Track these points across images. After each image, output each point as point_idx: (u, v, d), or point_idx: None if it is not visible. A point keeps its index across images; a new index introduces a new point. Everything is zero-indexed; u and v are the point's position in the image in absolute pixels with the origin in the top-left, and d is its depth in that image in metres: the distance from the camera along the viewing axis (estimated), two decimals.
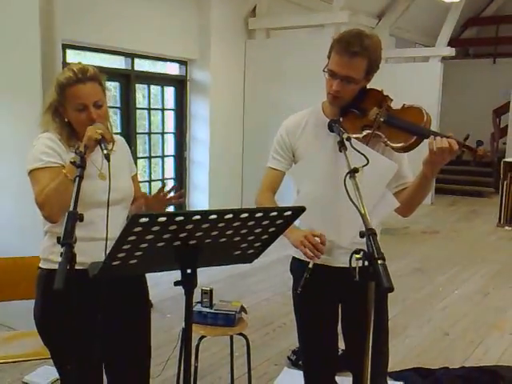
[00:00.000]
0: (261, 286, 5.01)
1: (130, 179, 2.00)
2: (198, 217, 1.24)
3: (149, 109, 6.32)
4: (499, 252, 6.49)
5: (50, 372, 3.10)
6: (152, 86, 6.31)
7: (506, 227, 7.65)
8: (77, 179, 1.51)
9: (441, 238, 7.19)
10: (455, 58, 9.71)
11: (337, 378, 2.21)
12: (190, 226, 1.26)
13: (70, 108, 1.82)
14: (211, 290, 2.72)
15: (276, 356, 3.55)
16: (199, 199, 6.68)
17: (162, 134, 6.57)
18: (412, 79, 8.53)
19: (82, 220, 1.36)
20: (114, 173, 1.75)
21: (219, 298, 2.84)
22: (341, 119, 1.87)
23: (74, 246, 1.28)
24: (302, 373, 2.90)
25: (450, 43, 9.21)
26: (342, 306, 2.10)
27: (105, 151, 1.67)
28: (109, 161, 1.66)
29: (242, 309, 2.79)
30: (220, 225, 1.31)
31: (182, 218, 1.23)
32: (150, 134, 6.38)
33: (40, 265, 1.89)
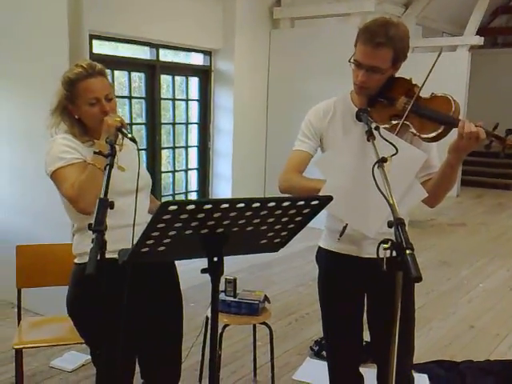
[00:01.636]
0: (283, 276, 5.02)
1: (144, 170, 2.00)
2: (225, 205, 1.25)
3: (173, 99, 6.34)
4: None
5: (76, 357, 3.17)
6: (176, 77, 6.33)
7: None
8: (107, 168, 1.52)
9: (467, 230, 7.10)
10: (483, 48, 9.51)
11: (361, 369, 2.21)
12: (217, 215, 1.27)
13: (83, 103, 1.82)
14: (235, 280, 2.74)
15: (298, 346, 3.57)
16: (222, 189, 6.71)
17: (187, 124, 6.60)
18: (439, 69, 8.35)
19: (112, 207, 1.38)
20: (131, 162, 1.78)
21: (242, 288, 2.86)
22: (368, 109, 1.85)
23: (104, 233, 1.30)
24: (324, 363, 2.91)
25: (479, 32, 9.02)
26: (367, 296, 2.09)
27: (129, 135, 1.69)
28: (136, 143, 1.69)
29: (266, 298, 2.81)
30: (247, 213, 1.31)
31: (210, 206, 1.24)
32: (174, 124, 6.41)
33: (75, 261, 1.91)
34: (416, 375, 3.17)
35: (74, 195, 1.72)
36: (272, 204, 1.32)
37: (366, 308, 2.12)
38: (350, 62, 1.87)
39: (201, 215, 1.25)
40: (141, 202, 1.84)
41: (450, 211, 8.04)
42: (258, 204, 1.29)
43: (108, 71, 1.94)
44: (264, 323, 2.75)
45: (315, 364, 3.30)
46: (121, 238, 1.71)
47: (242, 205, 1.27)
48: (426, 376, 3.16)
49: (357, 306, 2.11)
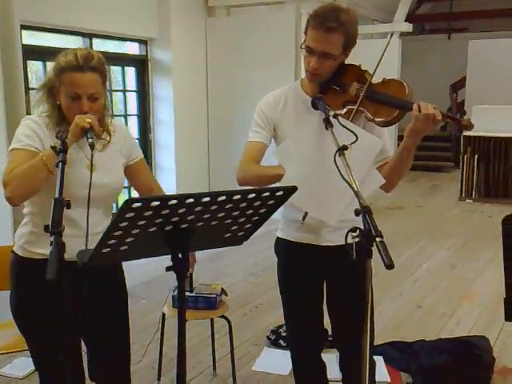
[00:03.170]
0: (234, 267, 5.00)
1: (120, 172, 1.90)
2: (191, 200, 1.20)
3: (110, 90, 6.12)
4: (463, 225, 6.67)
5: (27, 363, 3.02)
6: (112, 67, 6.12)
7: (468, 200, 7.85)
8: (60, 164, 1.43)
9: (405, 213, 7.33)
10: (412, 34, 9.81)
11: (323, 356, 2.23)
12: (182, 210, 1.22)
13: (64, 93, 1.73)
14: (191, 274, 2.68)
15: (255, 336, 3.56)
16: (166, 182, 6.58)
17: (125, 116, 6.41)
18: (372, 56, 8.57)
19: (69, 207, 1.29)
20: (104, 167, 1.71)
21: (195, 281, 2.81)
22: (323, 96, 1.84)
23: (62, 235, 1.22)
24: (282, 351, 2.92)
25: (407, 19, 9.27)
26: (327, 284, 2.10)
27: (90, 140, 1.59)
28: (92, 149, 1.59)
29: (223, 291, 2.77)
30: (212, 207, 1.27)
31: (175, 201, 1.18)
32: (112, 116, 6.19)
33: (14, 249, 1.82)
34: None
35: (6, 180, 1.63)
36: (237, 197, 1.28)
37: (326, 296, 2.13)
38: (301, 48, 1.85)
39: (165, 211, 1.20)
40: (98, 212, 1.78)
41: (388, 195, 8.23)
42: (223, 197, 1.26)
43: (108, 67, 1.83)
44: (222, 316, 2.72)
45: (273, 353, 3.30)
46: (74, 245, 1.62)
47: (207, 199, 1.23)
48: (381, 358, 3.22)
49: (317, 293, 2.11)
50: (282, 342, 3.34)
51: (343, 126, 1.57)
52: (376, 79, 1.88)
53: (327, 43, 1.79)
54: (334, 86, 1.88)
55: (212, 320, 2.90)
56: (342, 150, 1.47)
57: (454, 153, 9.95)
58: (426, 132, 1.73)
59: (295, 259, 2.07)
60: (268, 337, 3.48)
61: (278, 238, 2.12)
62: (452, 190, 8.24)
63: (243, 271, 4.85)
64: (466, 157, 7.84)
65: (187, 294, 2.67)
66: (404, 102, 1.79)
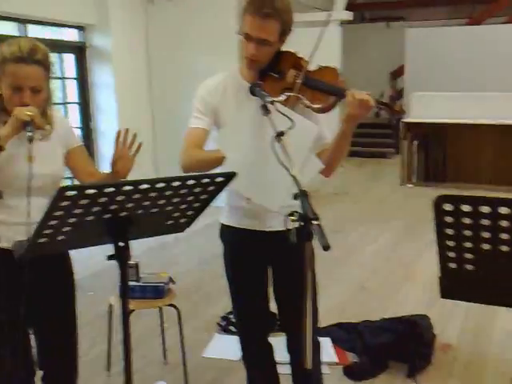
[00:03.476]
0: (184, 255, 4.99)
1: (61, 161, 1.89)
2: (129, 187, 1.19)
3: (49, 78, 5.92)
4: (404, 208, 6.88)
5: None
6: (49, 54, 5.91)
7: (408, 185, 8.09)
8: None
9: (351, 198, 7.49)
10: (352, 23, 9.97)
11: (271, 339, 2.26)
12: (120, 198, 1.21)
13: (6, 84, 1.69)
14: (137, 264, 2.67)
15: (205, 324, 3.58)
16: None
17: (65, 104, 6.21)
18: (313, 44, 8.69)
19: (1, 197, 1.26)
20: (44, 158, 1.69)
21: (142, 271, 2.80)
22: (261, 83, 1.85)
23: None
24: (232, 337, 2.94)
25: (347, 7, 9.41)
26: (273, 269, 2.13)
27: (29, 133, 1.57)
28: (31, 143, 1.57)
29: (170, 280, 2.77)
30: (151, 194, 1.26)
31: (112, 189, 1.17)
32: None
33: None
34: (319, 339, 3.33)
35: None
36: (177, 183, 1.28)
37: (272, 280, 2.17)
38: (238, 34, 1.86)
39: (102, 199, 1.19)
40: (40, 201, 1.73)
41: (335, 181, 8.40)
42: (162, 184, 1.25)
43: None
44: (171, 305, 2.72)
45: (224, 339, 3.33)
46: (15, 234, 1.59)
47: (145, 186, 1.22)
48: (328, 339, 3.31)
49: (262, 278, 2.14)
50: (232, 328, 3.37)
51: (280, 112, 1.59)
52: (312, 66, 1.91)
53: (264, 30, 1.81)
54: (272, 73, 1.90)
55: (161, 309, 2.89)
56: (279, 135, 1.49)
57: (395, 139, 10.21)
58: (361, 118, 1.78)
59: (240, 245, 2.09)
60: (218, 323, 3.50)
61: (222, 224, 2.13)
62: (394, 176, 8.47)
63: (194, 259, 4.85)
64: (405, 143, 8.08)
65: (134, 283, 2.65)
66: (338, 89, 1.83)
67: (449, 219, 1.50)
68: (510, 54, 9.15)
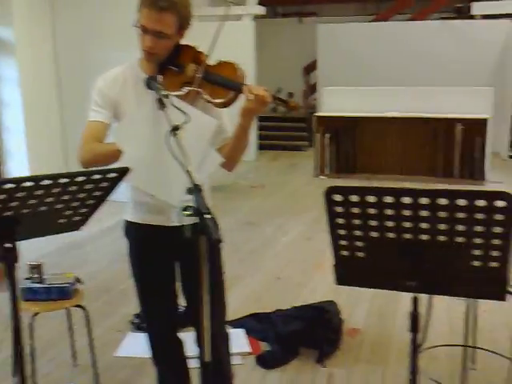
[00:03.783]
0: (94, 255, 4.86)
1: None
2: (11, 185, 1.15)
3: None
4: (317, 200, 6.98)
5: None
6: None
7: (321, 177, 8.33)
8: None
9: (266, 191, 7.60)
10: (265, 17, 10.09)
11: (181, 335, 2.26)
12: (2, 197, 1.16)
13: None
14: (39, 265, 2.57)
15: (118, 322, 3.51)
16: (17, 168, 6.14)
17: None
18: (227, 38, 8.71)
19: None
20: None
21: (52, 272, 2.71)
22: (160, 76, 1.85)
23: None
24: (145, 335, 2.89)
25: (260, 2, 9.51)
26: (179, 264, 2.13)
27: None
28: None
29: (77, 280, 2.69)
30: (37, 192, 1.22)
31: None
32: None
33: None
34: (233, 331, 3.38)
35: None
36: (65, 180, 1.25)
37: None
38: (135, 26, 1.84)
39: None
40: None
41: (250, 174, 8.51)
42: (48, 182, 1.21)
43: None
44: (78, 306, 2.65)
45: (137, 337, 3.28)
46: None
47: (29, 183, 1.18)
48: (242, 330, 3.35)
49: (168, 274, 2.13)
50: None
51: (174, 106, 1.59)
52: (212, 61, 1.92)
53: (160, 22, 1.80)
54: (172, 67, 1.89)
55: (68, 310, 2.81)
56: (174, 130, 1.49)
57: (309, 132, 10.46)
58: (258, 113, 1.82)
59: (145, 242, 2.08)
60: (132, 321, 3.45)
61: (126, 221, 2.10)
62: (308, 168, 8.67)
63: (105, 258, 4.73)
64: (318, 136, 8.30)
65: (38, 285, 2.56)
66: (236, 84, 1.85)
67: (339, 209, 1.57)
68: (414, 49, 9.64)
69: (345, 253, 1.66)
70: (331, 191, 1.53)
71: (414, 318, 1.64)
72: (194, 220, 1.37)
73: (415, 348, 1.66)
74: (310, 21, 11.37)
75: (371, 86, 8.56)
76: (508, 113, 9.24)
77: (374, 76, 9.56)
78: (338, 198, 1.54)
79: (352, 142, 8.23)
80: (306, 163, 9.06)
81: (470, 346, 2.72)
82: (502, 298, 1.59)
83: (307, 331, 3.18)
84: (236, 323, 3.46)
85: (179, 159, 1.44)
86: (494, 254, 1.49)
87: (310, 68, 11.05)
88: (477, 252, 1.50)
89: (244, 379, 2.91)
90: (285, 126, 11.12)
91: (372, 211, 1.53)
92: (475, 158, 7.52)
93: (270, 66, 11.30)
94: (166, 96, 1.63)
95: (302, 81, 11.39)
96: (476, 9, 9.42)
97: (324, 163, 8.34)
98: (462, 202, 1.42)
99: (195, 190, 1.36)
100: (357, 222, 1.57)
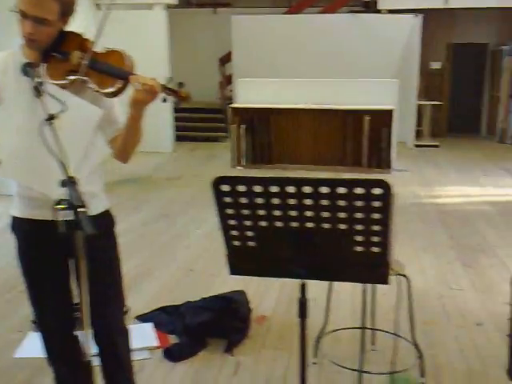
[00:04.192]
0: None
1: None
2: None
3: None
4: None
5: None
6: None
7: (238, 167, 8.37)
8: None
9: (183, 182, 7.53)
10: (178, 7, 9.95)
11: (78, 332, 2.19)
12: None
13: None
14: None
15: (19, 323, 3.36)
16: None
17: None
18: (138, 27, 8.55)
19: None
20: None
21: None
22: (44, 64, 1.76)
23: None
24: None
25: None
26: (74, 261, 2.05)
27: None
28: None
29: None
30: None
31: None
32: None
33: None
34: (141, 325, 3.33)
35: None
36: None
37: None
38: (14, 11, 1.74)
39: None
40: None
41: (167, 166, 8.41)
42: None
43: None
44: None
45: (38, 337, 3.14)
46: None
47: None
48: (150, 324, 3.31)
49: (61, 271, 2.05)
50: None
51: (50, 94, 1.52)
52: (99, 49, 1.86)
53: (40, 7, 1.71)
54: (56, 54, 1.81)
55: None
56: (49, 119, 1.43)
57: (226, 124, 10.47)
58: (147, 103, 1.78)
59: (34, 237, 1.98)
60: (33, 321, 3.30)
61: (13, 217, 2.00)
62: (226, 159, 8.69)
63: (5, 257, 4.49)
64: (234, 127, 8.33)
65: None
66: (123, 73, 1.80)
67: (228, 199, 1.57)
68: (325, 42, 9.87)
69: (236, 243, 1.67)
70: (219, 181, 1.54)
71: (302, 304, 1.68)
72: (70, 214, 1.33)
73: (303, 334, 1.70)
74: (224, 12, 11.31)
75: (285, 77, 8.68)
76: (413, 104, 9.72)
77: (288, 68, 9.72)
78: (225, 188, 1.54)
79: (267, 133, 8.32)
80: (224, 154, 9.07)
81: (367, 328, 2.84)
82: (385, 282, 1.67)
83: (215, 322, 3.19)
84: (145, 317, 3.42)
85: (52, 150, 1.38)
86: (375, 239, 1.55)
87: (226, 59, 11.03)
88: (359, 238, 1.56)
89: (151, 373, 2.88)
90: (202, 117, 11.06)
91: (259, 201, 1.55)
92: (382, 148, 7.85)
93: (184, 56, 11.17)
94: (41, 83, 1.56)
95: (217, 72, 11.35)
96: (382, 3, 9.80)
97: (240, 154, 8.39)
98: (342, 190, 1.47)
99: (68, 182, 1.30)
100: (246, 211, 1.59)
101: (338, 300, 3.53)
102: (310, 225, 1.56)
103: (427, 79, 11.08)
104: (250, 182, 1.52)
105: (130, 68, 1.83)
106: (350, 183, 1.46)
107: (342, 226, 1.54)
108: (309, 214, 1.53)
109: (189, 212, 5.97)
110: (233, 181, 1.53)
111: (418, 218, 5.70)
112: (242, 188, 1.53)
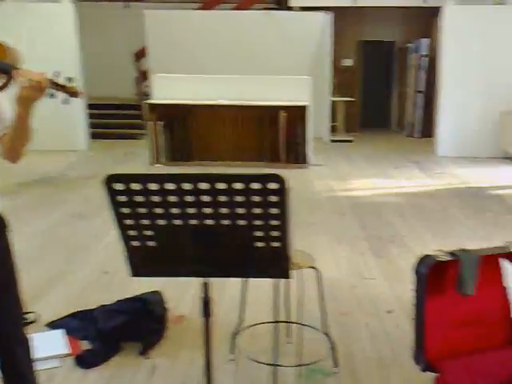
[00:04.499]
0: None
1: None
2: None
3: None
4: None
5: None
6: None
7: (157, 165, 8.23)
8: None
9: (99, 182, 7.26)
10: (88, 0, 9.62)
11: None
12: None
13: None
14: None
15: None
16: None
17: None
18: (45, 21, 8.18)
19: None
20: None
21: None
22: None
23: None
24: None
25: None
26: None
27: None
28: None
29: None
30: None
31: None
32: None
33: None
34: (50, 332, 3.19)
35: None
36: None
37: None
38: None
39: None
40: None
41: (82, 165, 8.11)
42: None
43: None
44: None
45: None
46: None
47: None
48: (61, 331, 3.18)
49: None
50: None
51: None
52: None
53: None
54: None
55: None
56: None
57: (143, 120, 10.25)
58: (35, 100, 1.69)
59: None
60: None
61: None
62: (144, 157, 8.51)
63: None
64: (151, 124, 8.17)
65: None
66: (6, 66, 1.70)
67: (122, 198, 1.52)
68: (239, 39, 9.89)
69: (135, 243, 1.63)
70: (110, 180, 1.48)
71: (206, 303, 1.66)
72: None
73: (208, 333, 1.68)
74: (136, 6, 11.06)
75: (203, 73, 8.63)
76: (328, 100, 9.97)
77: (205, 64, 9.66)
78: (119, 186, 1.49)
79: (186, 130, 8.24)
80: (142, 152, 8.89)
81: (280, 322, 2.87)
82: (286, 276, 1.68)
83: (130, 324, 3.10)
84: (55, 324, 3.28)
85: None
86: (274, 234, 1.56)
87: (141, 54, 10.81)
88: (258, 233, 1.56)
89: (61, 382, 2.76)
90: (118, 113, 10.77)
91: (156, 199, 1.51)
92: (298, 144, 8.00)
93: (97, 52, 10.84)
94: None
95: (132, 67, 11.11)
96: (294, 0, 9.96)
97: (159, 152, 8.25)
98: (239, 186, 1.46)
99: None
100: (142, 210, 1.54)
101: (257, 295, 3.55)
102: (209, 222, 1.54)
103: (340, 76, 11.40)
104: (144, 179, 1.47)
105: (14, 61, 1.73)
106: (246, 178, 1.45)
107: (241, 222, 1.53)
108: (207, 210, 1.51)
109: (104, 212, 5.75)
110: (126, 179, 1.48)
111: (333, 211, 5.86)
112: (136, 186, 1.48)
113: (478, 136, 8.83)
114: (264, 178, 1.43)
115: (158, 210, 1.52)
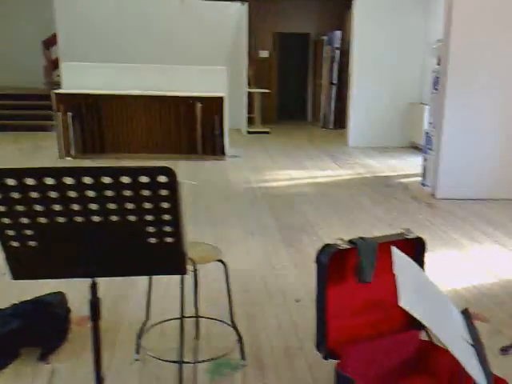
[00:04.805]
0: None
1: None
2: None
3: None
4: None
5: None
6: None
7: (67, 158, 7.88)
8: None
9: None
10: None
11: None
12: None
13: None
14: None
15: None
16: None
17: None
18: None
19: None
20: None
21: None
22: None
23: None
24: None
25: None
26: None
27: None
28: None
29: None
30: None
31: None
32: None
33: None
34: None
35: None
36: None
37: None
38: None
39: None
40: None
41: None
42: None
43: None
44: None
45: None
46: None
47: None
48: None
49: None
50: None
51: None
52: None
53: None
54: None
55: None
56: None
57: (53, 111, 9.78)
58: None
59: None
60: None
61: None
62: (54, 150, 8.12)
63: None
64: (59, 115, 7.79)
65: None
66: None
67: None
68: (156, 27, 9.65)
69: (15, 244, 1.49)
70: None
71: (93, 305, 1.56)
72: None
73: (97, 336, 1.58)
74: None
75: (118, 62, 8.34)
76: (244, 91, 9.96)
77: (120, 53, 9.35)
78: None
79: (98, 121, 7.93)
80: (52, 144, 8.47)
81: (187, 317, 2.81)
82: (183, 272, 1.61)
83: (27, 329, 2.91)
84: None
85: None
86: (167, 229, 1.49)
87: (51, 42, 10.28)
88: (151, 229, 1.48)
89: None
90: (26, 104, 10.22)
91: (35, 195, 1.39)
92: (215, 135, 7.93)
93: (7, 38, 10.22)
94: None
95: (42, 55, 10.55)
96: None
97: (69, 144, 7.89)
98: (126, 180, 1.37)
99: None
100: (20, 208, 1.41)
101: (167, 292, 3.46)
102: (96, 218, 1.44)
103: (256, 67, 11.44)
104: (20, 174, 1.35)
105: None
106: (134, 172, 1.37)
107: (132, 218, 1.45)
108: (93, 206, 1.41)
109: None
110: None
111: (248, 202, 5.85)
112: (11, 181, 1.35)
113: (388, 127, 9.18)
114: (153, 171, 1.36)
115: (38, 208, 1.40)
